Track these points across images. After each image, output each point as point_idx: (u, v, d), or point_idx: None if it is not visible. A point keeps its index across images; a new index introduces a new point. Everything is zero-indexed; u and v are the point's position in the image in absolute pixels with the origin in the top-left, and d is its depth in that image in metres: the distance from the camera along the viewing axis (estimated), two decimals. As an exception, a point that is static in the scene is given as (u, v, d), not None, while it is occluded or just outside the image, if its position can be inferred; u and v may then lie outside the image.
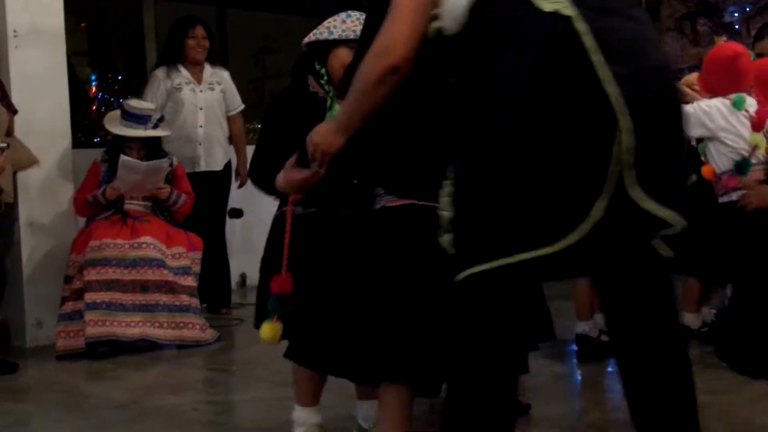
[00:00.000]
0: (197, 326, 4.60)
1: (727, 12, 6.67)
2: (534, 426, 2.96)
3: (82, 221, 4.88)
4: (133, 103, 4.79)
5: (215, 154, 5.39)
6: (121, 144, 4.76)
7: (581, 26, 1.67)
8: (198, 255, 4.80)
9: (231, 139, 5.52)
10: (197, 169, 5.26)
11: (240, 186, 5.60)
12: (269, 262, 2.63)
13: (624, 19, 1.75)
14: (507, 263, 1.69)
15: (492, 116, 1.70)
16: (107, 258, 4.47)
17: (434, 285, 2.13)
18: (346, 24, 2.64)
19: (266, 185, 2.62)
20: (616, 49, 1.68)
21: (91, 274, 4.43)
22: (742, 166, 3.90)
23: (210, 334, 4.66)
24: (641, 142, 1.67)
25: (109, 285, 4.43)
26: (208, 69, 5.37)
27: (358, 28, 2.56)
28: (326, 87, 2.69)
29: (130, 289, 4.47)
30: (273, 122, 2.72)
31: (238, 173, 5.57)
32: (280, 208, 2.74)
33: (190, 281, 4.66)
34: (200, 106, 5.32)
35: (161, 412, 3.42)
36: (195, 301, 4.65)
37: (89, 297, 4.39)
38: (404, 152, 2.22)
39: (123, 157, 4.58)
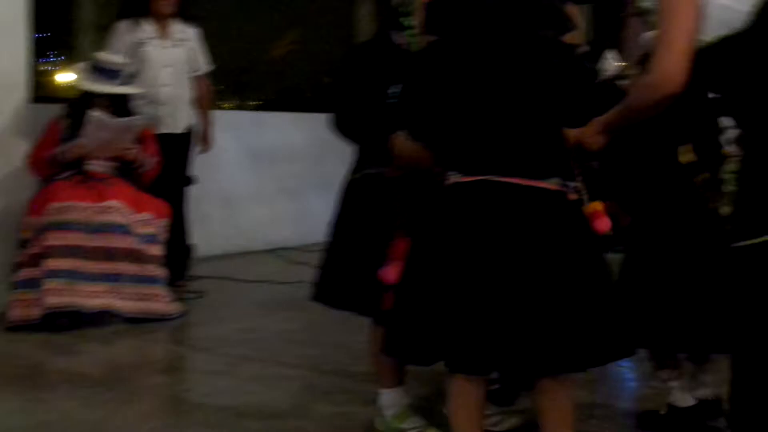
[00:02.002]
0: (164, 299, 4.30)
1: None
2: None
3: (36, 181, 4.49)
4: (103, 57, 4.43)
5: (179, 116, 5.05)
6: (87, 100, 4.39)
7: None
8: (165, 223, 4.49)
9: (195, 102, 5.20)
10: (159, 131, 4.91)
11: (203, 152, 5.30)
12: (348, 228, 2.53)
13: None
14: None
15: None
16: (70, 222, 4.12)
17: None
18: None
19: (354, 134, 2.56)
20: None
21: (53, 239, 4.08)
22: None
23: (175, 307, 4.38)
24: None
25: (72, 251, 4.09)
26: (175, 25, 5.02)
27: None
28: (413, 39, 2.52)
29: (93, 257, 4.14)
30: (356, 73, 2.57)
31: (202, 138, 5.25)
32: (358, 171, 2.60)
33: (157, 251, 4.35)
34: (166, 63, 4.97)
35: (152, 393, 3.15)
36: (162, 272, 4.36)
37: (50, 264, 4.04)
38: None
39: (93, 113, 4.22)
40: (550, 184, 2.14)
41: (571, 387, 2.18)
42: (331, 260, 2.63)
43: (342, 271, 2.57)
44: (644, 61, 2.83)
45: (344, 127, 2.57)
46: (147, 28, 4.92)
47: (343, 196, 2.64)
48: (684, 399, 2.76)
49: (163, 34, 4.96)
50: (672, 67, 1.99)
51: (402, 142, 2.38)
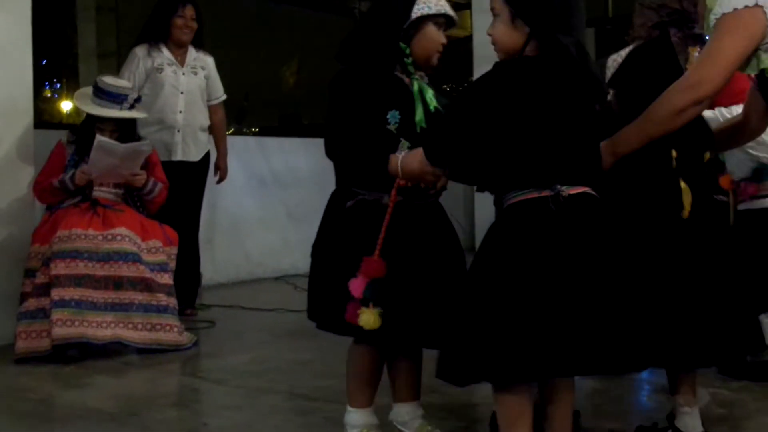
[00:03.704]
0: (175, 329, 4.17)
1: (699, 23, 6.69)
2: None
3: (42, 208, 4.39)
4: (109, 80, 4.32)
5: (193, 143, 5.00)
6: (92, 124, 4.30)
7: None
8: (174, 250, 4.38)
9: (210, 130, 5.12)
10: (173, 158, 4.86)
11: (219, 181, 5.23)
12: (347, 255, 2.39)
13: None
14: None
15: None
16: (78, 250, 4.00)
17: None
18: None
19: (350, 157, 2.45)
20: None
21: (60, 268, 3.95)
22: (760, 172, 3.79)
23: (187, 338, 4.25)
24: None
25: (80, 280, 3.97)
26: (192, 52, 5.01)
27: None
28: (410, 69, 2.46)
29: (102, 286, 4.02)
30: (353, 100, 2.44)
31: (218, 167, 5.18)
32: (350, 197, 2.46)
33: (167, 279, 4.23)
34: (182, 89, 4.92)
35: (168, 428, 3.02)
36: (173, 301, 4.23)
37: (57, 293, 3.91)
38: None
39: (100, 138, 4.12)
40: None
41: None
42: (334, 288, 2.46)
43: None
44: (614, 81, 2.75)
45: (340, 150, 2.45)
46: (164, 54, 4.86)
47: (337, 223, 2.49)
48: (693, 427, 2.61)
49: (180, 60, 4.92)
50: (712, 73, 2.08)
51: (407, 157, 2.33)
